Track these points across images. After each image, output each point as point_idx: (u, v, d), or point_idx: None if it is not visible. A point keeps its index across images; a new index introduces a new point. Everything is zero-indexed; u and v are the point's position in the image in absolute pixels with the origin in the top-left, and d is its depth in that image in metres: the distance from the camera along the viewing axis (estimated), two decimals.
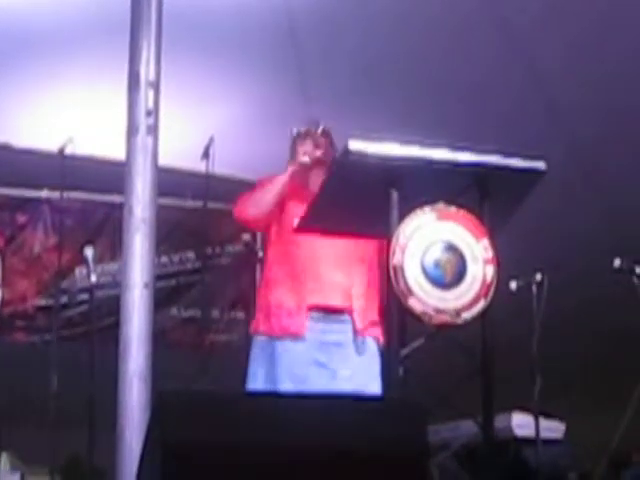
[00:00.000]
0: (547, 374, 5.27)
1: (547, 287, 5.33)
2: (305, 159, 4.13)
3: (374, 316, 4.09)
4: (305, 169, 4.14)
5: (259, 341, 4.11)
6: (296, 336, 4.00)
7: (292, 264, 4.08)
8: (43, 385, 5.33)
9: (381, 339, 4.08)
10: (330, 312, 4.06)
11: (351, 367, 4.04)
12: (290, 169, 4.13)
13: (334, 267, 4.07)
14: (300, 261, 4.07)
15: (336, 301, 4.06)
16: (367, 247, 4.12)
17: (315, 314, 4.05)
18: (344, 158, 3.39)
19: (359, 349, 4.06)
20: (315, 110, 4.61)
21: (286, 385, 3.95)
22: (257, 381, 4.05)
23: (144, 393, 4.32)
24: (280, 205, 4.12)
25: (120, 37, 4.72)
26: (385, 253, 3.43)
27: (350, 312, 4.06)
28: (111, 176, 5.19)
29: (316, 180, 4.06)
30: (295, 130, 4.26)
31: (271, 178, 4.19)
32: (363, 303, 4.07)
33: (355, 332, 4.06)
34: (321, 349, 4.03)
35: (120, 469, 4.25)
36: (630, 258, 5.14)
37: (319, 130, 4.25)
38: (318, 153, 4.15)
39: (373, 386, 4.01)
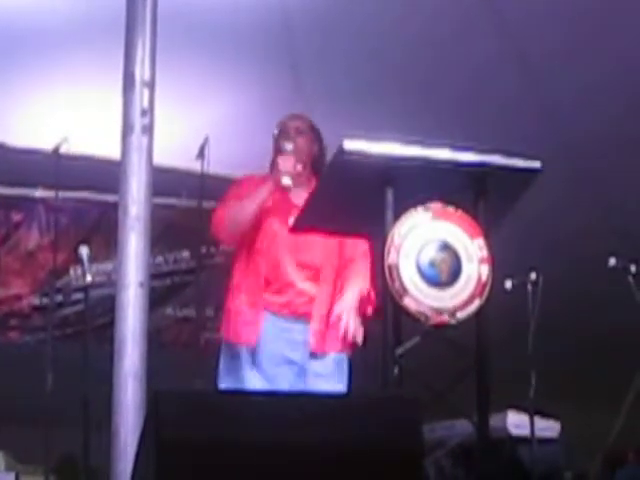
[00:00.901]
0: (542, 373, 5.28)
1: (542, 286, 5.34)
2: (287, 182, 4.05)
3: (335, 328, 4.02)
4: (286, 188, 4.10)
5: (224, 346, 4.15)
6: (247, 344, 4.03)
7: (257, 273, 4.09)
8: (38, 384, 5.32)
9: (340, 349, 4.07)
10: (295, 316, 4.08)
11: (319, 364, 4.05)
12: (267, 185, 4.07)
13: (302, 276, 4.08)
14: (264, 270, 4.08)
15: (300, 310, 4.07)
16: (338, 256, 4.11)
17: (281, 317, 4.07)
18: (339, 157, 3.39)
19: (317, 356, 4.07)
20: (310, 109, 4.60)
21: (257, 384, 3.97)
22: (227, 379, 4.08)
23: (139, 392, 4.32)
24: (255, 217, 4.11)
25: (115, 36, 4.71)
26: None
27: (309, 319, 4.06)
28: (106, 175, 5.19)
29: (297, 192, 4.05)
30: (276, 130, 4.24)
31: (248, 181, 4.19)
32: (322, 317, 4.05)
33: (310, 348, 4.05)
34: (289, 346, 4.04)
35: (115, 468, 4.24)
36: (625, 257, 5.16)
37: (299, 126, 4.21)
38: (299, 168, 4.09)
39: (340, 385, 4.04)
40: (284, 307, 4.08)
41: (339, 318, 3.91)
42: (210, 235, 4.27)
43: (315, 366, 4.05)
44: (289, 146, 4.12)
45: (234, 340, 4.08)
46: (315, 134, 4.24)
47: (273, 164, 4.17)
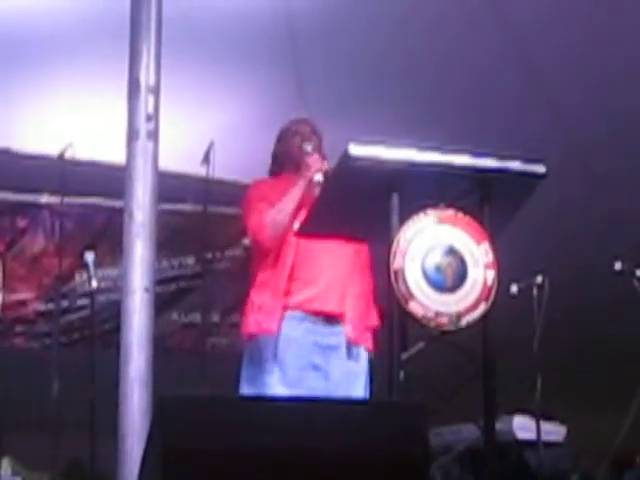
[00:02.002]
0: (548, 377, 5.27)
1: (548, 290, 5.33)
2: (319, 178, 4.08)
3: (367, 323, 4.10)
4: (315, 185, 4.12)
5: (250, 346, 4.13)
6: (268, 333, 4.01)
7: (284, 267, 4.09)
8: (44, 390, 5.32)
9: (371, 348, 4.12)
10: (324, 316, 4.07)
11: (343, 371, 4.06)
12: (301, 184, 4.09)
13: (329, 272, 4.08)
14: (293, 265, 4.08)
15: (330, 307, 4.07)
16: (363, 254, 4.13)
17: (310, 317, 4.06)
18: (344, 162, 3.39)
19: (351, 355, 4.08)
20: (315, 114, 4.60)
21: (278, 390, 3.97)
22: (249, 386, 4.07)
23: (145, 398, 4.32)
24: None
25: (120, 42, 4.71)
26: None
27: (342, 318, 4.07)
28: (111, 181, 5.18)
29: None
30: (290, 128, 4.27)
31: (266, 183, 4.21)
32: (356, 310, 4.08)
33: (348, 339, 4.07)
34: (316, 351, 4.04)
35: (121, 474, 4.24)
36: (631, 261, 5.15)
37: (306, 130, 4.26)
38: (326, 165, 4.12)
39: (359, 392, 4.05)
40: (311, 302, 4.06)
41: None
42: (214, 240, 4.27)
43: (341, 369, 4.05)
44: (310, 147, 4.18)
45: (255, 330, 4.06)
46: (319, 138, 4.28)
47: (276, 168, 4.18)
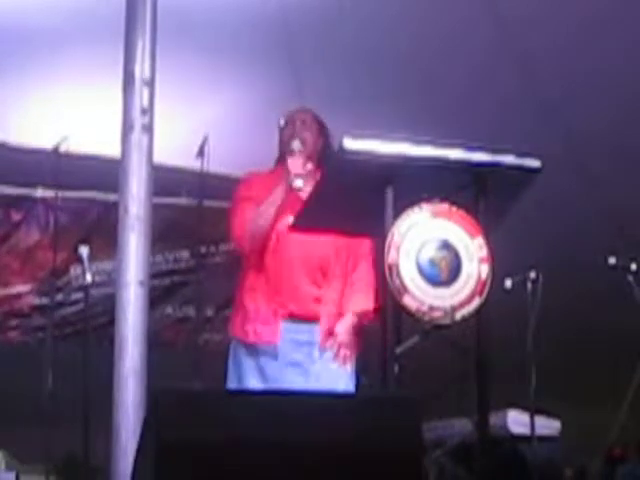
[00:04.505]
0: (542, 371, 5.27)
1: (542, 284, 5.34)
2: (298, 184, 4.06)
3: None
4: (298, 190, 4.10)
5: (234, 345, 4.13)
6: (269, 344, 4.02)
7: (269, 273, 4.08)
8: (38, 384, 5.33)
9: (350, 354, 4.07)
10: (302, 319, 4.07)
11: (323, 366, 4.04)
12: (281, 188, 4.06)
13: (308, 278, 4.07)
14: (277, 270, 4.07)
15: (308, 311, 4.06)
16: (347, 253, 4.12)
17: (288, 320, 4.06)
18: (339, 156, 3.39)
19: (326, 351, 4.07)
20: (310, 107, 4.60)
21: (255, 384, 3.98)
22: (232, 383, 4.07)
23: (139, 391, 4.32)
24: None
25: (115, 35, 4.71)
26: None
27: (316, 319, 4.06)
28: (106, 174, 5.18)
29: (306, 188, 4.05)
30: (282, 121, 4.24)
31: (256, 180, 4.20)
32: (334, 317, 4.06)
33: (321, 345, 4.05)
34: (294, 348, 4.04)
35: (115, 467, 4.25)
36: (625, 256, 5.15)
37: (305, 119, 4.22)
38: (309, 166, 4.10)
39: (342, 385, 4.03)
40: (291, 311, 4.06)
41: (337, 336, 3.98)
42: (209, 234, 4.26)
43: (319, 367, 4.04)
44: (296, 145, 4.13)
45: (254, 340, 4.05)
46: (320, 128, 4.23)
47: (281, 159, 4.20)
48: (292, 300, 4.05)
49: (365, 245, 4.11)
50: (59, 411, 5.14)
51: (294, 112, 4.26)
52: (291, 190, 4.07)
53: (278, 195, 4.05)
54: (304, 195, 4.03)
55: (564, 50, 6.38)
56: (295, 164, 4.08)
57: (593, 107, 6.59)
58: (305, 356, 4.04)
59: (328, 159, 4.03)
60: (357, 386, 4.11)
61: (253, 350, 4.05)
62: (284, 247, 4.05)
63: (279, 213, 4.05)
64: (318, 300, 4.07)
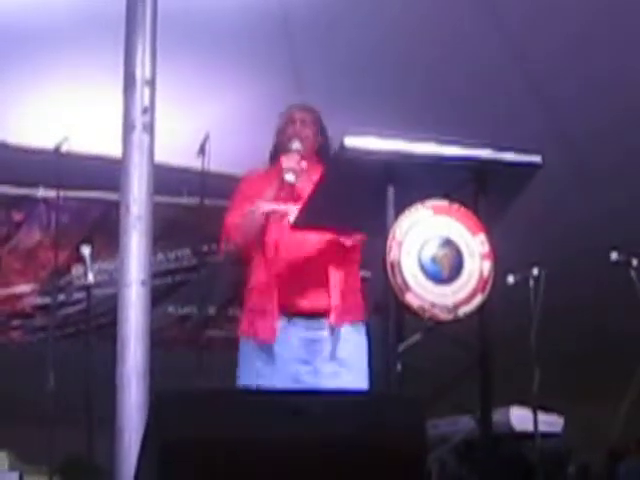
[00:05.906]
0: (545, 368, 5.28)
1: (544, 281, 5.34)
2: (290, 178, 4.07)
3: (350, 309, 4.09)
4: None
5: (243, 343, 4.15)
6: (277, 342, 4.02)
7: (275, 270, 4.08)
8: (40, 384, 5.32)
9: (360, 318, 4.10)
10: (310, 314, 4.07)
11: (333, 363, 4.05)
12: (274, 184, 4.08)
13: (314, 275, 4.07)
14: (282, 268, 4.07)
15: (315, 305, 4.06)
16: (347, 249, 4.12)
17: (297, 317, 4.06)
18: (340, 154, 3.39)
19: (337, 344, 4.06)
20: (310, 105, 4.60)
21: (264, 383, 3.97)
22: (243, 381, 4.07)
23: (142, 391, 4.31)
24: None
25: (116, 35, 4.71)
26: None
27: (328, 313, 4.07)
28: (107, 174, 5.18)
29: (303, 184, 4.05)
30: (281, 119, 4.24)
31: (253, 179, 4.21)
32: (341, 304, 4.06)
33: (331, 328, 4.05)
34: (303, 347, 4.04)
35: (119, 467, 4.24)
36: (627, 251, 5.15)
37: (305, 119, 4.22)
38: (303, 165, 4.11)
39: (357, 381, 4.03)
40: (299, 308, 4.06)
41: None
42: (210, 233, 4.27)
43: (330, 366, 4.03)
44: (296, 145, 4.14)
45: (262, 338, 4.06)
46: (320, 127, 4.25)
47: (275, 154, 4.19)
48: (299, 297, 4.06)
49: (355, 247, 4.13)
50: (62, 411, 5.13)
51: (294, 110, 4.26)
52: (284, 185, 4.08)
53: (270, 192, 4.08)
54: (299, 189, 4.05)
55: (566, 51, 6.37)
56: (289, 160, 4.10)
57: (595, 107, 6.59)
58: (314, 354, 4.04)
59: (329, 158, 4.03)
60: (371, 380, 4.10)
61: (262, 348, 4.05)
62: (287, 245, 4.05)
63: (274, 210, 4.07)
64: (324, 295, 4.07)
